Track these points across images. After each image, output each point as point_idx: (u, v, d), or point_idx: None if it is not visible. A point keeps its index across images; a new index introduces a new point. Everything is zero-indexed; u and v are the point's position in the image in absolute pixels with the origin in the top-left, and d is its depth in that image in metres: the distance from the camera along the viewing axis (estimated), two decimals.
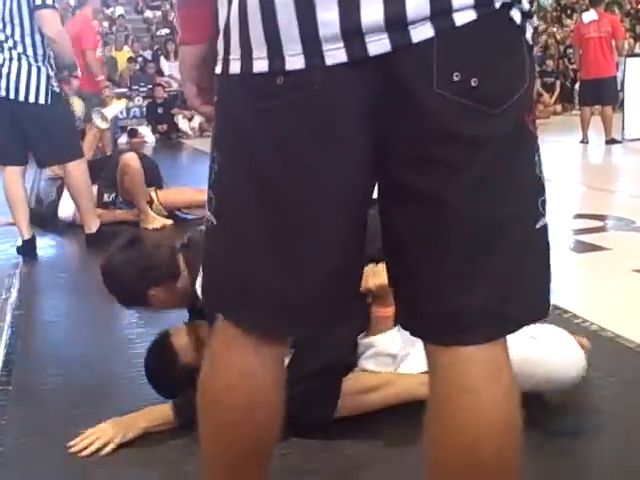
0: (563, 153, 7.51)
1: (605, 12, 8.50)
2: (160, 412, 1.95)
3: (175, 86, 11.41)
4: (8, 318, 2.92)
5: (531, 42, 1.00)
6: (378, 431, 1.88)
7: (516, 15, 0.96)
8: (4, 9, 3.69)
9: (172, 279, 2.05)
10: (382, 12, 0.91)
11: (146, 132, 10.77)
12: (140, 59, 12.21)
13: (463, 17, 0.92)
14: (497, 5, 0.93)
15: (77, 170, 4.00)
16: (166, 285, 2.05)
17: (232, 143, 1.04)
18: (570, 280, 3.25)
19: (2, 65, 3.74)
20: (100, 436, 1.88)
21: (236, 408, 1.11)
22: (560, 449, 1.76)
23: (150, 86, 11.35)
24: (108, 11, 15.02)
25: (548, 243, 1.07)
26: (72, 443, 1.88)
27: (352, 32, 0.92)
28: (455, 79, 0.93)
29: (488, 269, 1.01)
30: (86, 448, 1.86)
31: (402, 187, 1.00)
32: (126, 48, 12.50)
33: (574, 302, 2.78)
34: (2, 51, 3.75)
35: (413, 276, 1.05)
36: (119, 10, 15.42)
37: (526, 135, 1.02)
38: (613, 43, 8.25)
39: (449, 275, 1.01)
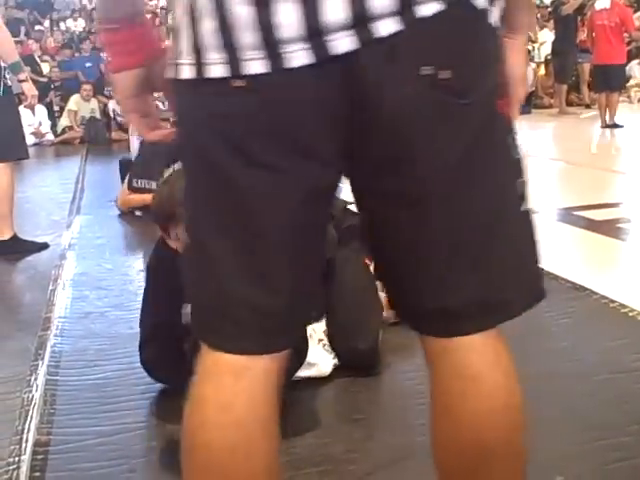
0: None
1: (618, 1, 8.55)
2: None
3: None
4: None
5: (499, 24, 0.95)
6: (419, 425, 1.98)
7: (478, 1, 0.91)
8: None
9: None
10: (347, 9, 0.85)
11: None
12: None
13: (428, 9, 0.87)
14: None
15: (4, 173, 3.84)
16: None
17: (190, 152, 0.97)
18: None
19: None
20: None
21: (214, 449, 0.97)
22: None
23: None
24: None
25: (532, 225, 1.03)
26: None
27: (316, 32, 0.86)
28: (423, 73, 0.88)
29: (480, 260, 0.98)
30: None
31: (380, 189, 0.96)
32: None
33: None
34: None
35: (405, 275, 1.01)
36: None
37: (498, 120, 0.98)
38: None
39: (442, 272, 0.98)
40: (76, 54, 11.86)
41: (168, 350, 2.09)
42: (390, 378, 2.31)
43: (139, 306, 2.29)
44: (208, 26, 0.89)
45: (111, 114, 10.31)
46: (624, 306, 2.74)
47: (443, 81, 0.89)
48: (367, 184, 0.97)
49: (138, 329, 2.25)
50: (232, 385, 0.97)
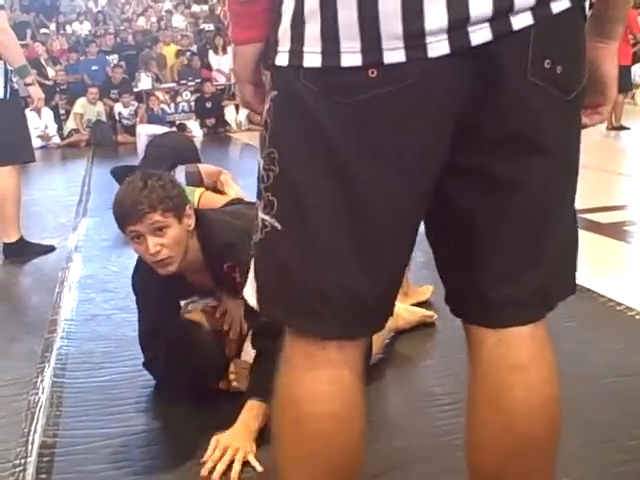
0: None
1: None
2: (253, 408, 1.86)
3: (223, 80, 11.36)
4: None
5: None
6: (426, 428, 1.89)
7: (587, 6, 0.98)
8: None
9: (178, 217, 1.95)
10: (491, 3, 0.88)
11: (193, 126, 10.72)
12: (188, 53, 12.12)
13: (559, 5, 0.92)
14: None
15: (11, 176, 3.86)
16: (175, 218, 1.94)
17: (303, 140, 0.96)
18: None
19: None
20: (225, 452, 1.80)
21: (329, 417, 1.03)
22: None
23: (198, 80, 11.21)
24: (156, 6, 15.31)
25: (577, 220, 1.09)
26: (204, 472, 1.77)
27: (459, 24, 0.89)
28: (546, 66, 0.93)
29: (546, 251, 1.02)
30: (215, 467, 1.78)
31: (478, 171, 0.98)
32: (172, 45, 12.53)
33: None
34: None
35: (472, 259, 1.03)
36: (167, 5, 15.72)
37: (580, 120, 1.04)
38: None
39: (512, 257, 1.01)
40: (82, 57, 11.88)
41: (163, 352, 2.10)
42: (396, 382, 2.31)
43: None
44: (346, 15, 0.90)
45: (117, 117, 10.34)
46: (630, 309, 2.74)
47: (557, 76, 0.94)
48: (469, 167, 0.99)
49: None
50: (338, 358, 1.02)
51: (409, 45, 0.89)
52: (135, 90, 10.92)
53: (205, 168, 4.20)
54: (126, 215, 1.95)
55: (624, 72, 8.34)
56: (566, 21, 0.94)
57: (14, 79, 3.81)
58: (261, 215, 1.03)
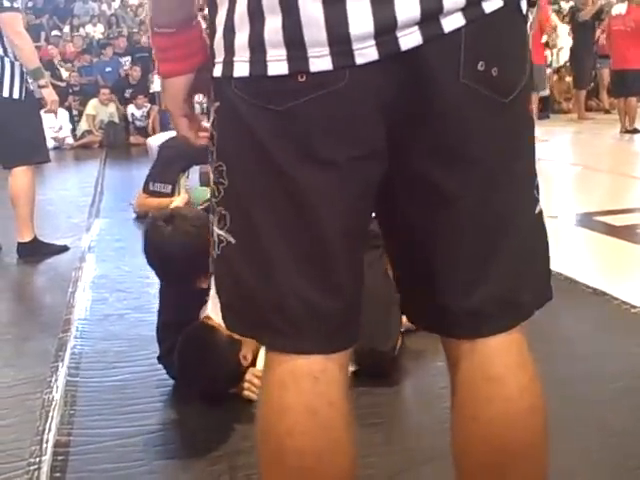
0: None
1: (637, 7, 8.48)
2: None
3: None
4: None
5: (529, 31, 0.99)
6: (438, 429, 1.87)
7: (523, 4, 0.95)
8: None
9: None
10: (418, 6, 0.86)
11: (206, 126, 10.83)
12: None
13: (491, 5, 0.89)
14: None
15: (25, 176, 3.89)
16: None
17: (243, 151, 0.95)
18: None
19: None
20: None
21: (306, 454, 0.98)
22: None
23: None
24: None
25: (545, 227, 1.05)
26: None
27: (385, 29, 0.86)
28: (480, 68, 0.90)
29: (500, 259, 0.98)
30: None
31: (420, 181, 0.96)
32: None
33: None
34: None
35: (428, 275, 1.01)
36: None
37: (528, 122, 1.00)
38: None
39: (466, 269, 0.98)
40: (95, 59, 11.94)
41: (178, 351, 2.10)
42: (408, 383, 2.31)
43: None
44: (271, 23, 0.88)
45: (129, 118, 10.37)
46: None
47: (492, 78, 0.91)
48: (412, 176, 0.96)
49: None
50: (312, 388, 0.97)
51: (335, 51, 0.87)
52: (148, 92, 10.96)
53: None
54: None
55: (636, 75, 8.34)
56: (500, 21, 0.91)
57: (29, 80, 3.84)
58: (216, 230, 1.01)
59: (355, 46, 0.87)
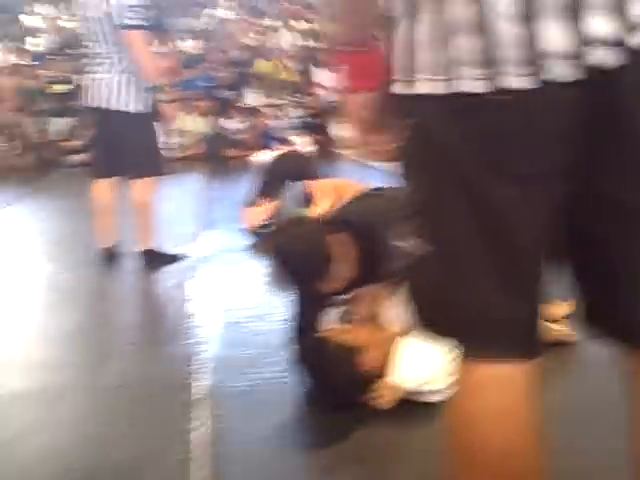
0: None
1: None
2: None
3: (327, 95, 11.50)
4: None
5: None
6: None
7: None
8: (100, 26, 3.80)
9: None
10: (612, 24, 0.88)
11: (299, 140, 10.66)
12: (294, 69, 12.29)
13: None
14: None
15: (144, 188, 4.04)
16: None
17: (437, 165, 0.98)
18: None
19: (98, 77, 3.88)
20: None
21: (508, 455, 1.02)
22: None
23: (304, 96, 11.28)
24: (260, 23, 15.55)
25: None
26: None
27: (579, 47, 0.88)
28: None
29: None
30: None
31: (606, 198, 0.97)
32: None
33: None
34: (98, 64, 3.88)
35: (614, 286, 1.02)
36: (271, 22, 15.97)
37: None
38: None
39: None
40: (193, 73, 12.25)
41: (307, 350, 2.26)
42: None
43: (278, 317, 2.39)
44: (465, 42, 0.91)
45: (226, 132, 10.59)
46: None
47: None
48: (601, 194, 0.98)
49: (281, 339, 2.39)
50: (511, 393, 1.02)
51: (530, 70, 0.89)
52: (243, 106, 11.17)
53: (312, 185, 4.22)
54: None
55: None
56: None
57: (148, 95, 3.96)
58: (411, 240, 1.05)
59: (550, 64, 0.89)
